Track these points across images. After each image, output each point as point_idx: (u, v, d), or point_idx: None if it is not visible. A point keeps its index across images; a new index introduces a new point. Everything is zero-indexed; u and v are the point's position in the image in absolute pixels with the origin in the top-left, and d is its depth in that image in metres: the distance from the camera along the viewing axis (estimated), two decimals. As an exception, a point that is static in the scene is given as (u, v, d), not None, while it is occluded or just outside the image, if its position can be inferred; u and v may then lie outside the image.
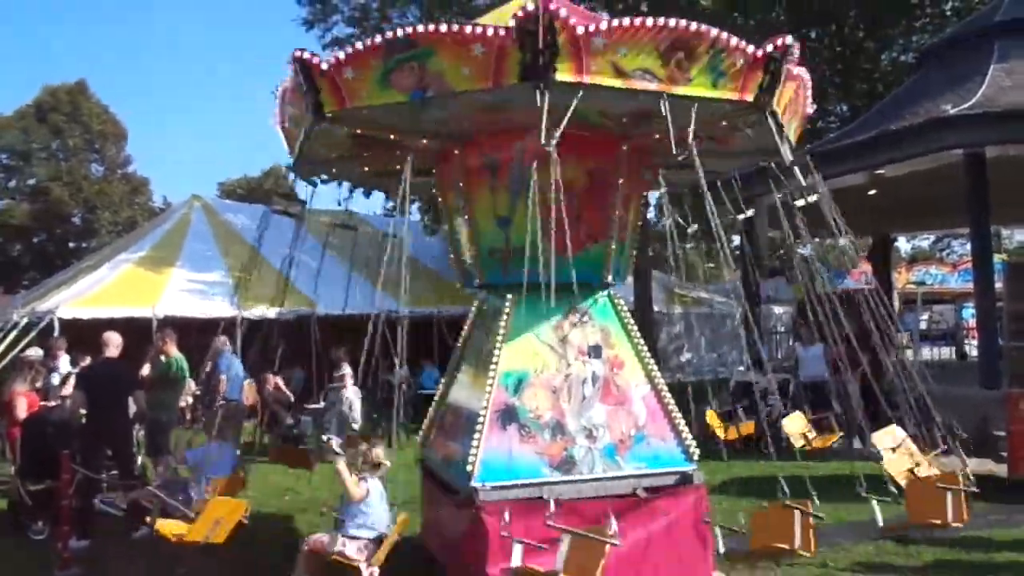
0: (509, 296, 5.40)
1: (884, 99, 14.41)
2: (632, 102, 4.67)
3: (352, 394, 11.69)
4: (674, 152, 4.62)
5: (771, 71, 4.68)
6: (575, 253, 4.59)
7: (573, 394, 5.24)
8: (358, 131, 5.33)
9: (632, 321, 5.69)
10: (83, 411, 7.55)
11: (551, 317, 5.37)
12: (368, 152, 5.95)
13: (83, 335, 11.49)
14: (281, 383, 12.48)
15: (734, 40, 4.53)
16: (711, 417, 8.22)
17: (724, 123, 5.20)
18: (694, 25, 4.44)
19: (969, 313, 18.41)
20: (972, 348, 16.76)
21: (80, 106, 37.29)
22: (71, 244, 37.43)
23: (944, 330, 22.58)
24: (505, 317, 5.34)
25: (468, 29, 4.33)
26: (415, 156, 5.85)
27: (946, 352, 19.47)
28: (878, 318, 5.84)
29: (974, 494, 5.20)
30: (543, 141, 4.26)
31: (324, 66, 4.61)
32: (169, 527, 4.97)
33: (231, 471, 6.08)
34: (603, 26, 4.31)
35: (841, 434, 7.61)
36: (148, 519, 5.29)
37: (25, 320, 13.55)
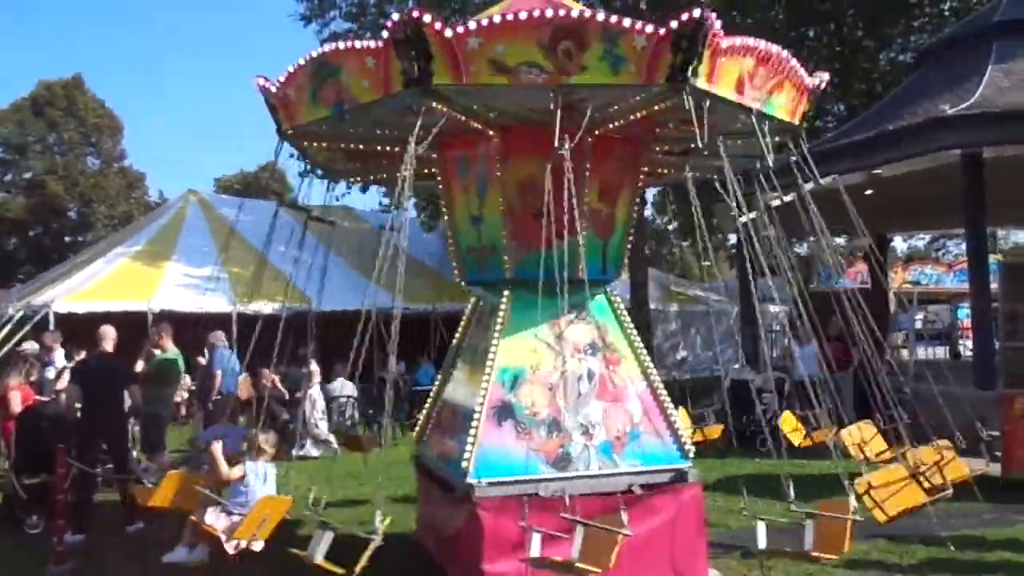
0: (505, 293, 5.40)
1: (883, 99, 14.43)
2: (528, 99, 4.65)
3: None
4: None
5: (683, 48, 4.37)
6: (546, 250, 4.58)
7: (569, 391, 5.24)
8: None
9: (628, 318, 5.71)
10: (78, 405, 7.54)
11: (547, 314, 5.36)
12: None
13: (78, 329, 11.48)
14: (277, 379, 12.48)
15: (628, 22, 4.35)
16: (682, 417, 8.19)
17: (658, 109, 4.96)
18: (578, 12, 4.40)
19: (964, 313, 18.44)
20: (966, 348, 16.79)
21: (76, 100, 37.17)
22: (67, 238, 37.33)
23: (939, 330, 22.63)
24: (501, 314, 5.35)
25: (359, 44, 4.55)
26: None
27: (940, 352, 19.51)
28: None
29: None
30: (418, 147, 4.45)
31: (273, 89, 5.03)
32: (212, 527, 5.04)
33: (239, 449, 6.07)
34: (472, 25, 4.33)
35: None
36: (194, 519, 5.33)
37: (20, 314, 13.54)
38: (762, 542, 4.55)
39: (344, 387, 12.40)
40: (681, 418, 7.63)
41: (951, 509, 6.06)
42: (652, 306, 18.99)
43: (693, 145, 4.53)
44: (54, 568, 6.03)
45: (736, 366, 13.85)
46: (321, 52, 4.72)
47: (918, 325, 19.35)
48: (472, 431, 4.99)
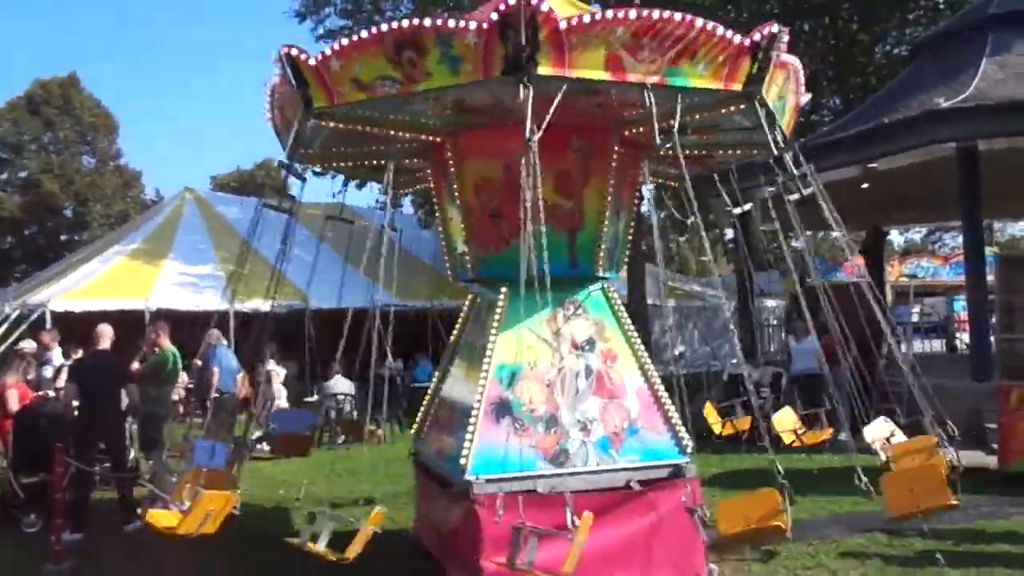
0: (503, 290, 5.40)
1: (878, 92, 14.43)
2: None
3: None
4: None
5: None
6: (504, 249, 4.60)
7: (567, 387, 5.24)
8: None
9: (626, 314, 5.70)
10: (75, 404, 7.53)
11: (545, 311, 5.37)
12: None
13: (75, 328, 11.46)
14: (273, 376, 12.48)
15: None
16: (709, 412, 8.23)
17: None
18: (412, 21, 4.43)
19: (960, 306, 18.49)
20: (963, 341, 16.83)
21: (72, 99, 37.05)
22: (63, 237, 37.23)
23: (935, 323, 22.68)
24: (499, 310, 5.35)
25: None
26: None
27: (937, 344, 19.56)
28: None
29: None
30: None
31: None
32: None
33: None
34: (327, 51, 4.55)
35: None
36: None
37: (16, 313, 13.51)
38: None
39: (341, 384, 12.40)
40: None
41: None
42: (649, 301, 18.98)
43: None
44: (52, 567, 6.03)
45: (734, 361, 13.88)
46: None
47: (915, 318, 19.41)
48: (470, 428, 4.99)
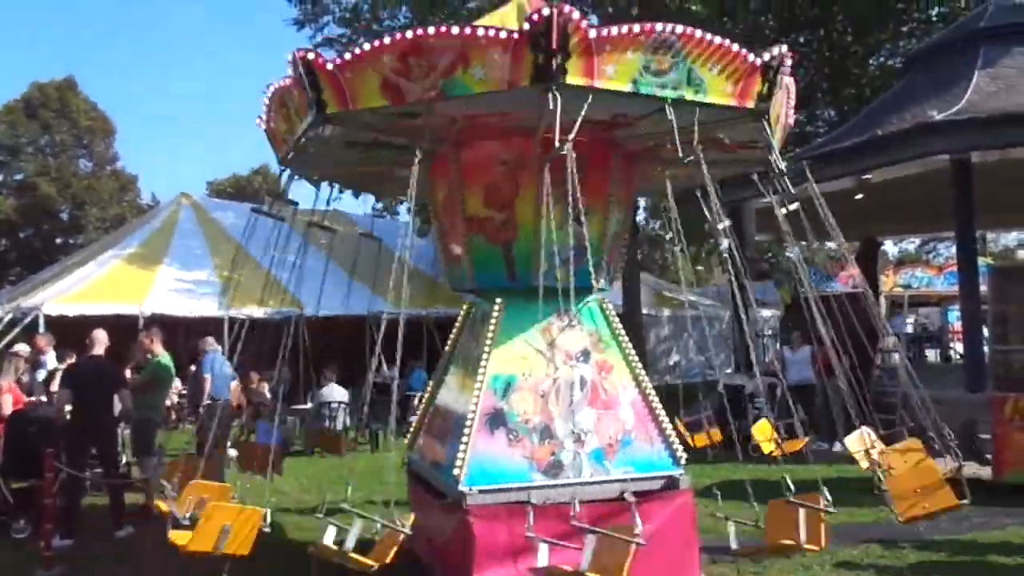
0: (498, 300, 5.40)
1: (871, 104, 14.50)
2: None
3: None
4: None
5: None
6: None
7: (561, 398, 5.24)
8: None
9: (620, 325, 5.70)
10: (68, 409, 7.50)
11: (540, 321, 5.38)
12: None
13: (68, 332, 11.42)
14: (264, 385, 12.46)
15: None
16: (679, 425, 8.25)
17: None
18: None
19: (955, 316, 18.54)
20: (956, 352, 16.88)
21: (69, 102, 37.00)
22: (58, 240, 37.14)
23: (930, 333, 22.73)
24: (494, 321, 5.35)
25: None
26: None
27: (932, 355, 19.62)
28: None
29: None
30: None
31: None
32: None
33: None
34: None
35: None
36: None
37: (10, 316, 13.46)
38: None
39: (335, 392, 12.37)
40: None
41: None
42: (644, 311, 19.00)
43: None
44: (43, 572, 6.00)
45: (728, 371, 13.89)
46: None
47: (909, 329, 19.45)
48: (464, 438, 4.98)
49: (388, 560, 4.44)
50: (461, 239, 5.66)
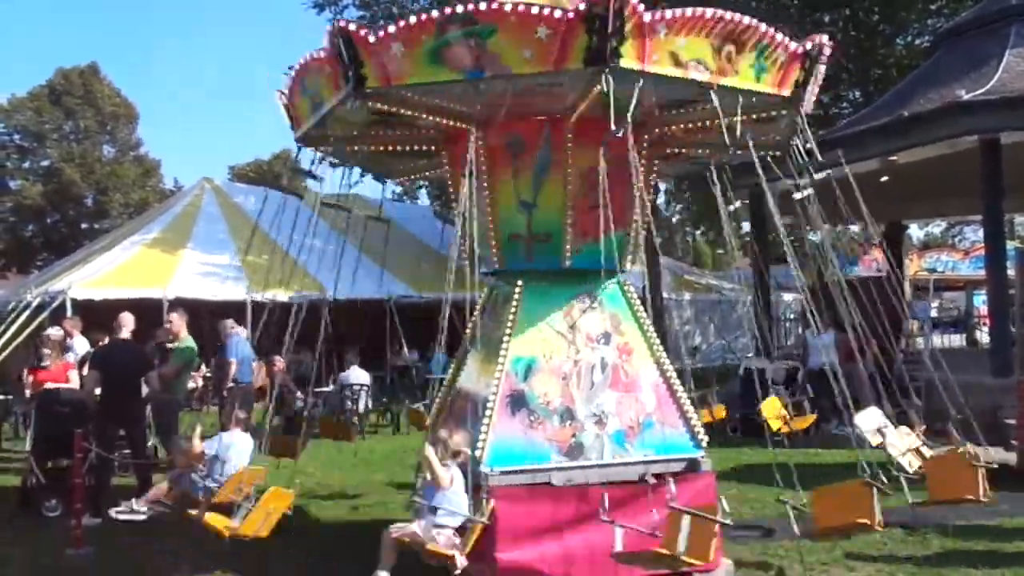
0: (519, 282, 5.40)
1: (898, 84, 14.26)
2: (681, 92, 4.84)
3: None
4: (726, 141, 4.76)
5: (806, 68, 4.90)
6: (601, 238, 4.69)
7: (582, 380, 5.25)
8: (382, 109, 5.17)
9: (641, 308, 5.69)
10: (97, 391, 7.62)
11: (561, 303, 5.38)
12: (381, 132, 5.91)
13: (94, 315, 11.58)
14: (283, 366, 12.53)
15: (779, 36, 4.72)
16: None
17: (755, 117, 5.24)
18: (747, 19, 4.60)
19: (981, 300, 18.26)
20: (983, 335, 16.64)
21: (92, 88, 37.32)
22: (83, 225, 37.58)
23: (955, 317, 22.44)
24: (515, 303, 5.35)
25: (534, 9, 4.30)
26: (430, 138, 5.86)
27: (957, 339, 19.35)
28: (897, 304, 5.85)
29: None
30: (612, 129, 4.29)
31: (371, 39, 4.50)
32: (218, 520, 4.94)
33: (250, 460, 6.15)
34: (667, 14, 4.40)
35: (815, 417, 7.79)
36: (195, 512, 5.29)
37: (38, 300, 13.68)
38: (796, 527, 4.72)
39: (357, 375, 12.46)
40: (771, 409, 7.69)
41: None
42: (665, 295, 18.92)
43: (613, 128, 4.37)
44: (73, 551, 6.12)
45: (750, 355, 13.82)
46: (467, 9, 4.36)
47: (934, 313, 19.20)
48: (486, 420, 5.01)
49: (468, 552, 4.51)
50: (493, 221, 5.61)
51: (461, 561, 4.52)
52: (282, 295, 11.26)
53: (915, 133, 10.39)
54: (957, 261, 21.44)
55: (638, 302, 5.69)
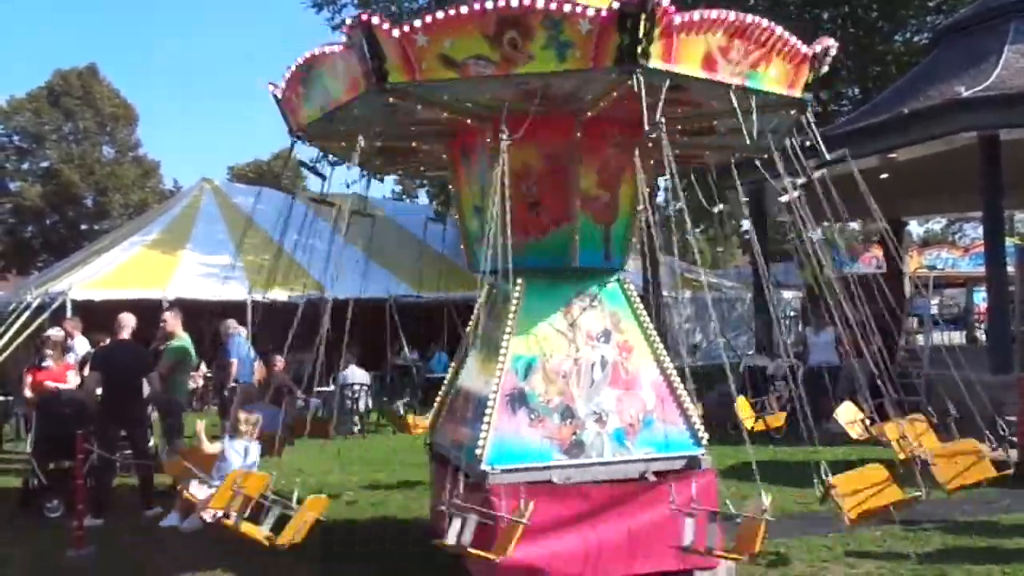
0: (519, 281, 5.40)
1: (897, 81, 14.25)
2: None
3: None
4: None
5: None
6: (539, 238, 4.80)
7: (582, 378, 5.25)
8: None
9: (642, 306, 5.69)
10: (99, 392, 7.62)
11: (561, 302, 5.39)
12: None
13: (94, 316, 11.59)
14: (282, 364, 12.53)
15: (569, 7, 4.35)
16: (743, 407, 8.33)
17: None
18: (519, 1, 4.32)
19: (980, 297, 18.28)
20: (983, 332, 16.64)
21: (92, 89, 37.32)
22: (83, 226, 37.59)
23: (955, 314, 22.44)
24: (515, 302, 5.35)
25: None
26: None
27: (957, 336, 19.34)
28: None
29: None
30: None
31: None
32: (255, 532, 4.69)
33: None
34: (417, 23, 4.38)
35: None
36: (232, 522, 4.92)
37: (38, 301, 13.67)
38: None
39: (356, 375, 12.46)
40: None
41: (966, 495, 6.02)
42: (665, 293, 18.89)
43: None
44: (74, 552, 6.13)
45: (750, 352, 13.83)
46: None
47: (934, 310, 19.18)
48: (486, 419, 5.01)
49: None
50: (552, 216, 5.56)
51: (205, 513, 5.10)
52: (282, 295, 11.28)
53: (914, 130, 10.39)
54: (957, 258, 21.45)
55: (638, 300, 5.70)
